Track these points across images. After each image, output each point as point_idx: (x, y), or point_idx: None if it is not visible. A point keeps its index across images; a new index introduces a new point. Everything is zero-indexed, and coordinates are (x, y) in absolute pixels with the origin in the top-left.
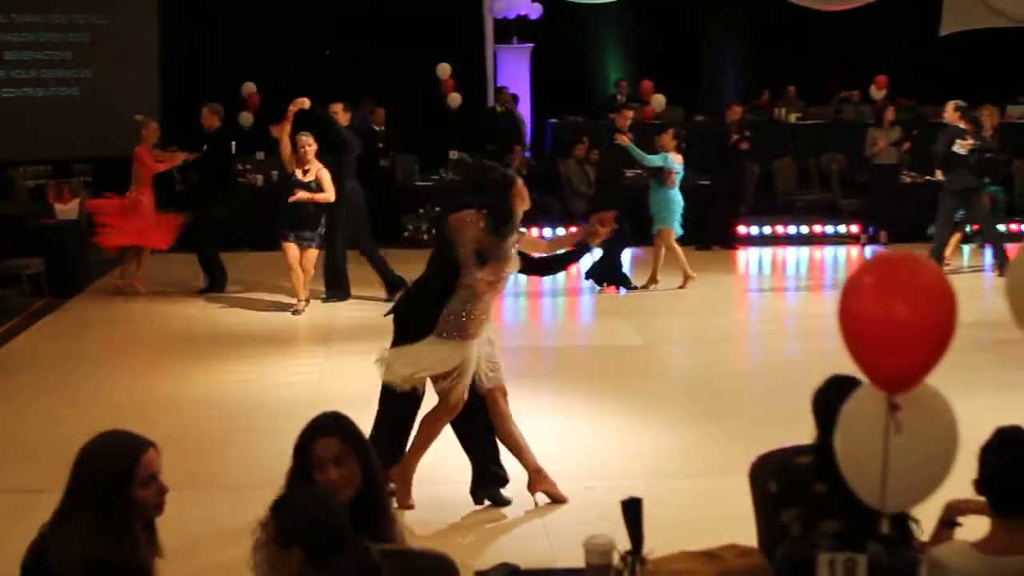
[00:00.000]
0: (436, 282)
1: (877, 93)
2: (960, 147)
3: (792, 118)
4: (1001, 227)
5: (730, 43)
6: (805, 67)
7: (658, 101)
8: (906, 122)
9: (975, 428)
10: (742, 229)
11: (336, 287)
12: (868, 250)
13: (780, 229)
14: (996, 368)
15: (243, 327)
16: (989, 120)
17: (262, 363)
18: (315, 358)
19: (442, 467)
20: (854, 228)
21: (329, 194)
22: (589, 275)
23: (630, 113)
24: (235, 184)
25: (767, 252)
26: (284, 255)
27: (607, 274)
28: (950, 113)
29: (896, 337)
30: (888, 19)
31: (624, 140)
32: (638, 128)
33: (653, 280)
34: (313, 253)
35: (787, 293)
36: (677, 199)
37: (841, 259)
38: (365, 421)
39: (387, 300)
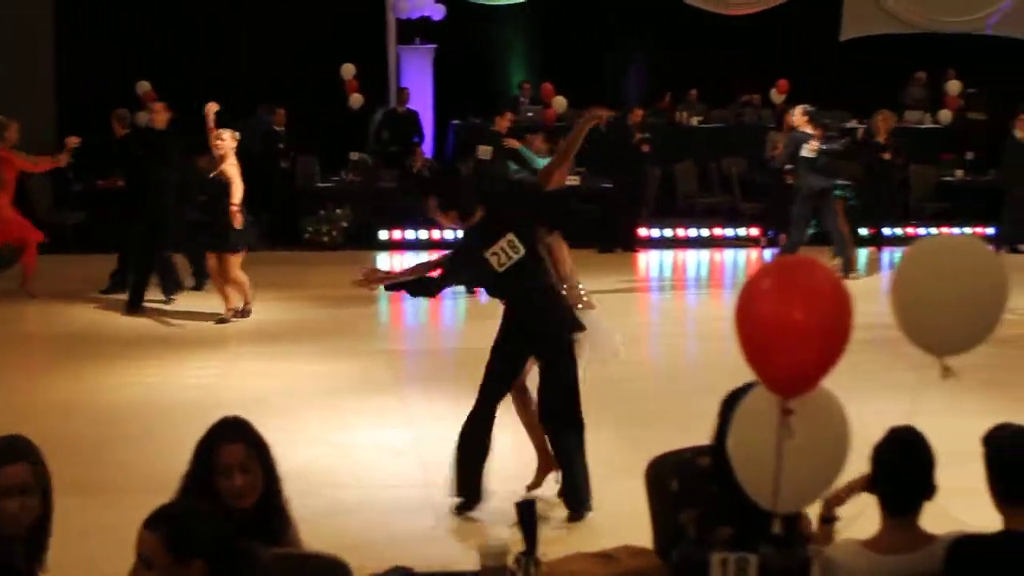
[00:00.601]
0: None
1: (778, 97)
2: (808, 151)
3: (694, 121)
4: (862, 229)
5: (632, 45)
6: (707, 70)
7: (559, 103)
8: None
9: (868, 428)
10: (643, 232)
11: (168, 281)
12: (768, 253)
13: (681, 232)
14: (888, 369)
15: (141, 330)
16: (884, 124)
17: (159, 366)
18: (212, 361)
19: (342, 471)
20: (754, 231)
21: (235, 190)
22: None
23: (510, 116)
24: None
25: (668, 255)
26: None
27: None
28: (798, 117)
29: (791, 342)
30: (790, 24)
31: (514, 143)
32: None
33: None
34: (228, 257)
35: (688, 295)
36: None
37: (741, 262)
38: (263, 424)
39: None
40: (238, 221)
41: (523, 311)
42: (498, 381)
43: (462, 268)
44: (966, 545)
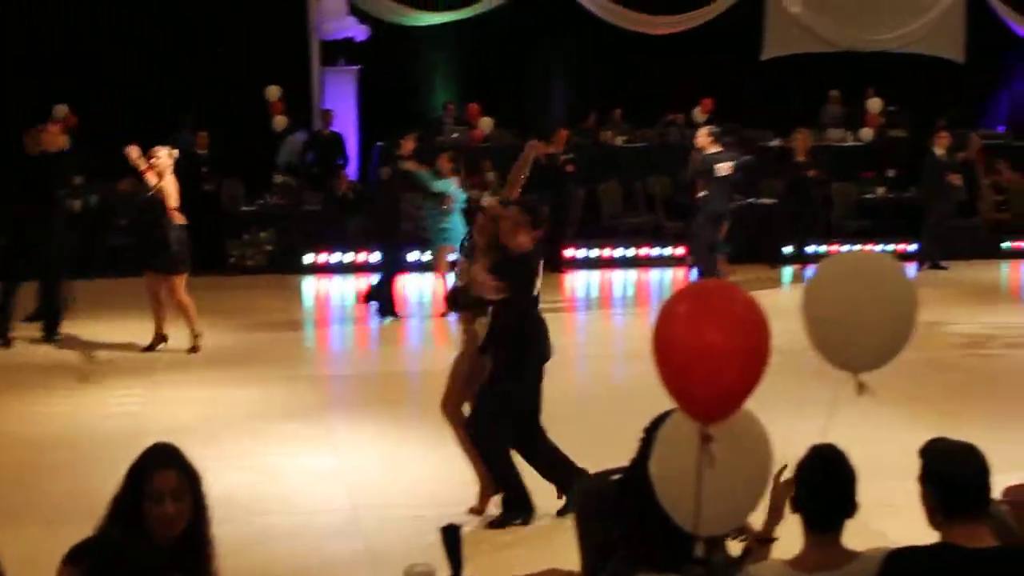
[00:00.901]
0: None
1: (701, 116)
2: (723, 170)
3: (618, 141)
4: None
5: (556, 66)
6: (631, 90)
7: (485, 124)
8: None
9: (793, 447)
10: (568, 252)
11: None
12: (694, 272)
13: (606, 252)
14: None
15: (60, 358)
16: (802, 143)
17: (81, 395)
18: (136, 389)
19: (269, 498)
20: (679, 251)
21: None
22: (370, 298)
23: (413, 138)
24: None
25: (594, 275)
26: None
27: (379, 297)
28: (703, 139)
29: (708, 368)
30: (713, 43)
31: (412, 166)
32: (467, 151)
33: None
34: (173, 279)
35: (614, 316)
36: (456, 222)
37: (667, 282)
38: (188, 451)
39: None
40: (175, 239)
41: (535, 329)
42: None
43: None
44: (902, 558)
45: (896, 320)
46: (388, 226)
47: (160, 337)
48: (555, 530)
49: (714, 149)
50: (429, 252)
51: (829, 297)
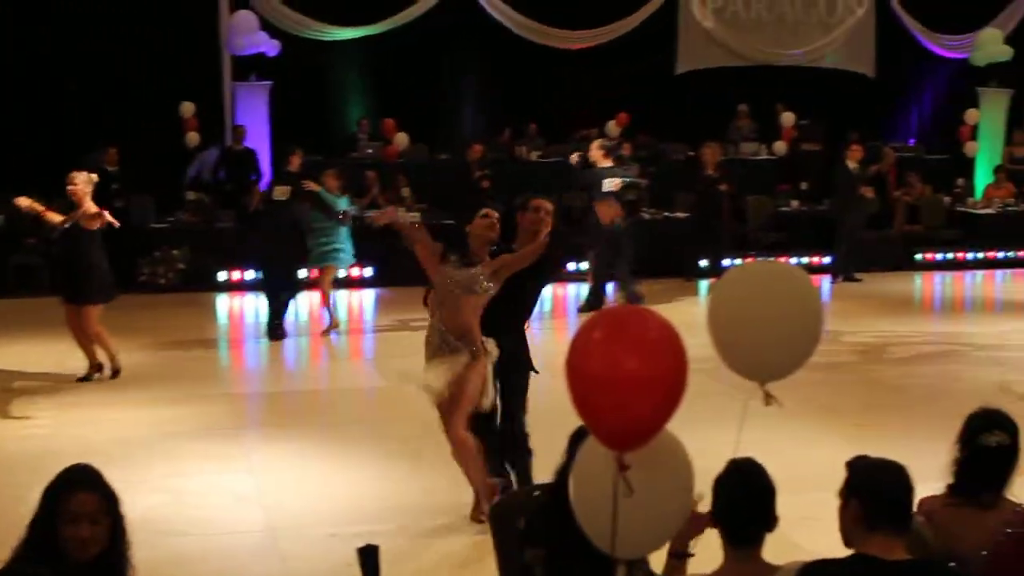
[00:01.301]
0: None
1: (615, 130)
2: (611, 186)
3: (533, 156)
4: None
5: (470, 80)
6: (546, 104)
7: (401, 139)
8: (644, 159)
9: (713, 459)
10: None
11: None
12: (609, 287)
13: None
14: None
15: None
16: (711, 156)
17: None
18: (47, 411)
19: (183, 519)
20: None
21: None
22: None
23: (301, 154)
24: None
25: None
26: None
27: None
28: (594, 152)
29: (623, 397)
30: (628, 57)
31: (313, 185)
32: (381, 167)
33: (333, 324)
34: (86, 310)
35: (531, 330)
36: (348, 242)
37: (584, 296)
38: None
39: None
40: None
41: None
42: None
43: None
44: (816, 571)
45: (801, 329)
46: (284, 247)
47: (95, 367)
48: (477, 548)
49: (606, 164)
50: (314, 271)
51: (733, 308)
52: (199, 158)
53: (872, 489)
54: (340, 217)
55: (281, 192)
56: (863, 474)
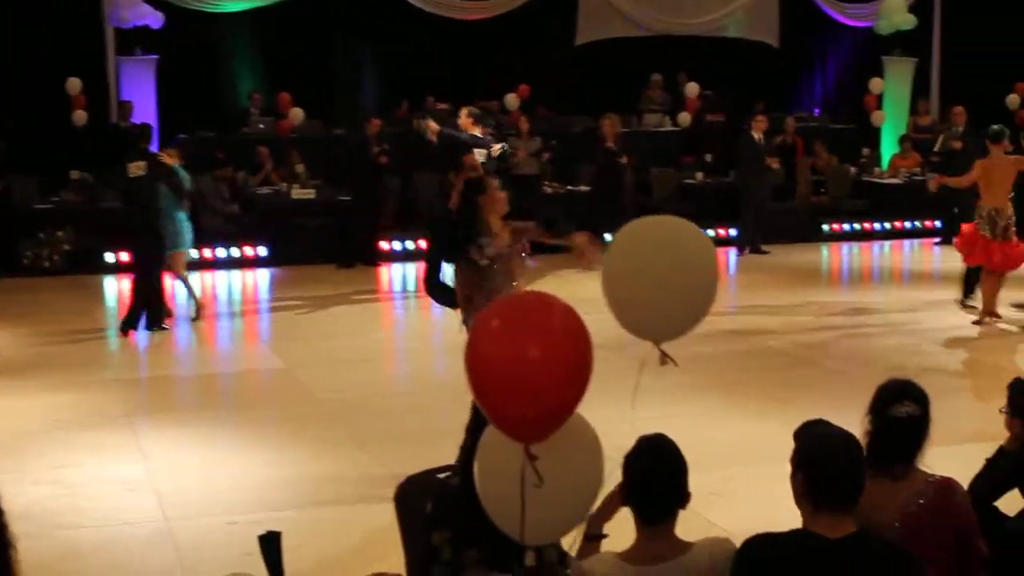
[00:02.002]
0: None
1: (514, 103)
2: (480, 156)
3: None
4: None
5: (366, 53)
6: (444, 77)
7: (295, 114)
8: (546, 132)
9: (622, 437)
10: (384, 245)
11: None
12: None
13: (423, 244)
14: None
15: None
16: (610, 128)
17: None
18: None
19: (73, 511)
20: None
21: None
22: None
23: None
24: None
25: (410, 268)
26: None
27: (151, 307)
28: (463, 119)
29: (526, 389)
30: (527, 28)
31: (168, 160)
32: (275, 143)
33: (200, 310)
34: None
35: (432, 309)
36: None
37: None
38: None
39: None
40: None
41: None
42: None
43: None
44: (760, 546)
45: (694, 285)
46: (146, 228)
47: None
48: (382, 532)
49: (474, 132)
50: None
51: (625, 266)
52: None
53: (816, 466)
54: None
55: (137, 168)
56: (808, 448)
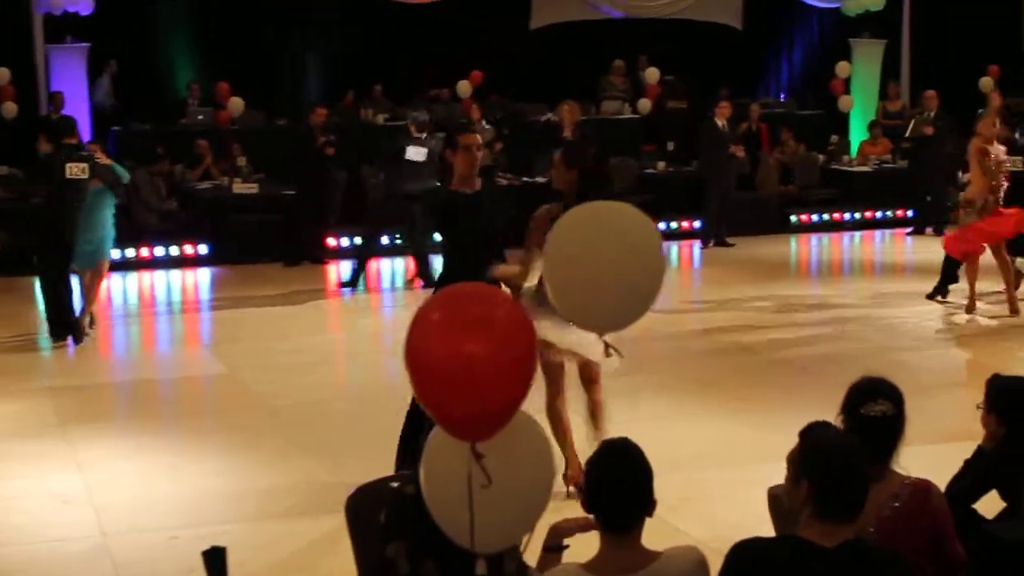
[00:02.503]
0: None
1: (466, 89)
2: (415, 154)
3: (380, 119)
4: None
5: (309, 40)
6: (392, 64)
7: (236, 104)
8: (499, 121)
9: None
10: (332, 242)
11: None
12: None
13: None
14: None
15: None
16: (569, 116)
17: None
18: None
19: (3, 527)
20: None
21: None
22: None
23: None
24: None
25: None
26: None
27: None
28: (414, 133)
29: (468, 384)
30: (482, 12)
31: (105, 158)
32: (214, 134)
33: (93, 322)
34: None
35: (384, 310)
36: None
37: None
38: None
39: None
40: None
41: None
42: None
43: None
44: (749, 550)
45: (638, 274)
46: (59, 232)
47: None
48: (332, 543)
49: (419, 136)
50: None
51: (568, 254)
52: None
53: (827, 478)
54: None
55: (80, 170)
56: (818, 456)
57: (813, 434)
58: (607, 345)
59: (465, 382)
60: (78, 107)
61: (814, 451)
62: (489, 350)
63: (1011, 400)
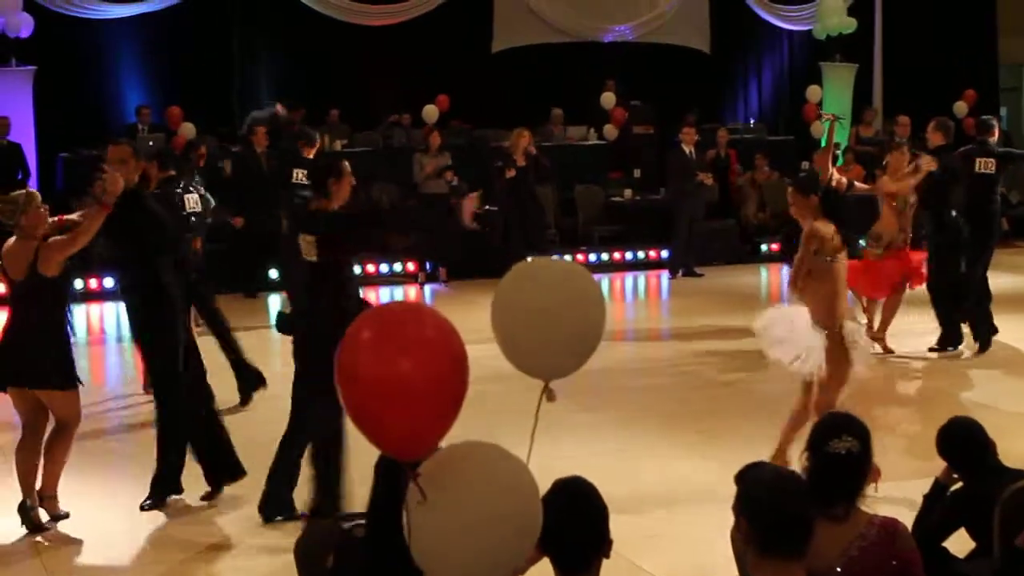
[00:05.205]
0: None
1: (432, 114)
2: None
3: (337, 145)
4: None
5: (263, 63)
6: (349, 88)
7: (188, 129)
8: (459, 147)
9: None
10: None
11: None
12: (428, 289)
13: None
14: (564, 411)
15: None
16: (520, 142)
17: None
18: None
19: None
20: (410, 266)
21: None
22: None
23: None
24: None
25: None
26: None
27: None
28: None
29: (400, 399)
30: (441, 35)
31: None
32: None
33: None
34: None
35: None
36: None
37: (399, 298)
38: None
39: None
40: None
41: None
42: None
43: None
44: None
45: (582, 324)
46: None
47: None
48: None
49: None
50: None
51: (514, 303)
52: None
53: (763, 512)
54: None
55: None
56: (753, 493)
57: (748, 475)
58: (550, 391)
59: (396, 401)
60: (24, 132)
61: (747, 487)
62: (417, 367)
63: (947, 444)
